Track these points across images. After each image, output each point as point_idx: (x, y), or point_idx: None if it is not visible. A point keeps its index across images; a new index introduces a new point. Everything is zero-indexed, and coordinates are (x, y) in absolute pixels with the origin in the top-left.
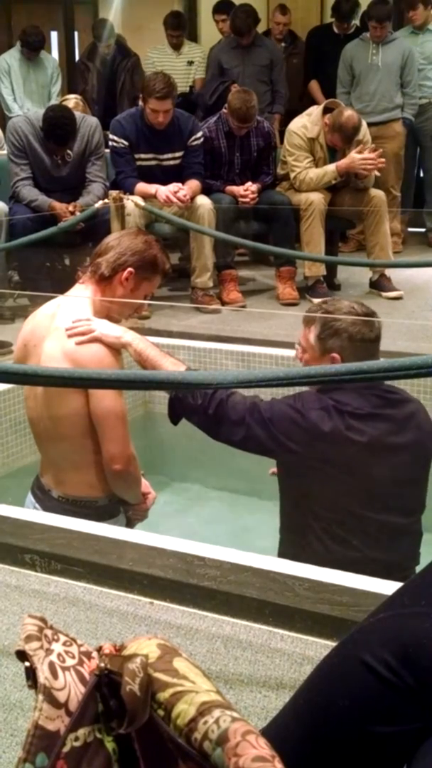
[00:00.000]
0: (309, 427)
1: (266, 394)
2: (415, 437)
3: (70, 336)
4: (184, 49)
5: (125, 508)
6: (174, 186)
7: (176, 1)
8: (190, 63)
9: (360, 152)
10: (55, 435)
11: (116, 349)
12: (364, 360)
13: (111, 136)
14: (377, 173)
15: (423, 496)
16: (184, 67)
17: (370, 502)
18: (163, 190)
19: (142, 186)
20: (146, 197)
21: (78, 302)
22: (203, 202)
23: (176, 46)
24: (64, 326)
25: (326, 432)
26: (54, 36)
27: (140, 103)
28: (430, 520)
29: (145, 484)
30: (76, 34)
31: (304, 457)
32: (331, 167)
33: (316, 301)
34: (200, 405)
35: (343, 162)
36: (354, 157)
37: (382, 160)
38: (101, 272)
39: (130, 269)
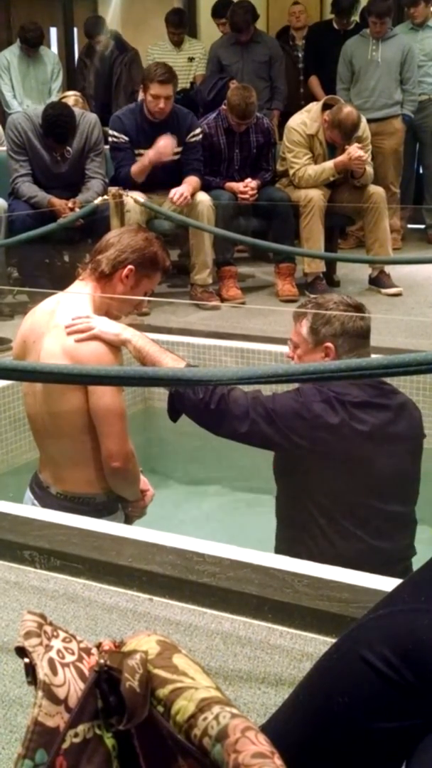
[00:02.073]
0: (313, 419)
1: (266, 390)
2: (408, 426)
3: (69, 333)
4: (184, 46)
5: (124, 505)
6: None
7: None
8: (191, 59)
9: (361, 148)
10: (54, 432)
11: (115, 346)
12: (356, 350)
13: (111, 132)
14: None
15: (417, 485)
16: (184, 63)
17: (373, 493)
18: (152, 155)
19: (135, 166)
20: (143, 173)
21: (77, 299)
22: (203, 198)
23: (177, 43)
24: (64, 323)
25: (332, 424)
26: (53, 32)
27: (139, 97)
28: (422, 510)
29: (144, 481)
30: (75, 30)
31: (309, 451)
32: (329, 164)
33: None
34: (201, 400)
35: (340, 159)
36: (350, 152)
37: (362, 164)
38: (101, 269)
39: (130, 266)
